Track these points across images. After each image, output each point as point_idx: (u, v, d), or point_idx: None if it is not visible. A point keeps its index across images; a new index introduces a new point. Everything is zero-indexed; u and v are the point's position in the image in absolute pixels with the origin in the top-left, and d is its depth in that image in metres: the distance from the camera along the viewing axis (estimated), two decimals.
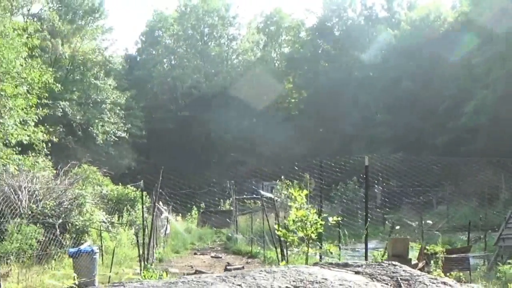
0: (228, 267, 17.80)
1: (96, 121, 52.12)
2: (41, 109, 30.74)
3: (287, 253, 13.92)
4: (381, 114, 57.86)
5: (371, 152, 50.34)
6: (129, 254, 20.42)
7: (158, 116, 61.99)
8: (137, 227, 22.27)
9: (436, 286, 6.11)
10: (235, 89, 61.06)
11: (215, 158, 61.38)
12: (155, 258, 20.25)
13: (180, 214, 39.32)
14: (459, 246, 18.04)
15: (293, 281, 5.79)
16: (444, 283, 6.27)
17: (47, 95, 32.26)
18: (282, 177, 29.02)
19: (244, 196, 38.01)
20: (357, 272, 6.44)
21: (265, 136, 59.27)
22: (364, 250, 13.08)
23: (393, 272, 6.46)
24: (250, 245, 25.62)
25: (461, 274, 13.36)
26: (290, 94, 66.79)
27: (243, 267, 17.10)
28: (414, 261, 12.09)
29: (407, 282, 6.16)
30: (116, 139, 53.95)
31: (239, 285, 5.58)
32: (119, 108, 55.22)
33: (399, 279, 6.17)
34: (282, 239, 12.84)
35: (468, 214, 31.63)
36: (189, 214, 38.93)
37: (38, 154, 30.92)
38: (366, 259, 11.67)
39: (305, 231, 10.02)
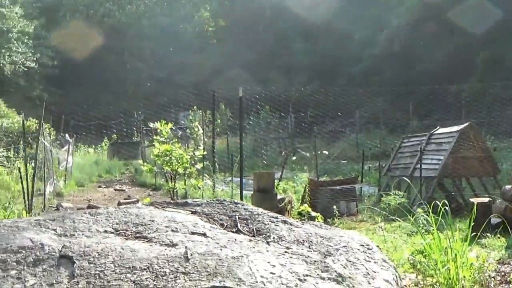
0: (122, 201, 17.27)
1: (3, 51, 49.66)
2: None
3: (174, 185, 13.17)
4: (298, 42, 57.33)
5: (289, 80, 50.31)
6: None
7: (70, 45, 59.58)
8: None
9: (275, 224, 5.83)
10: (149, 17, 59.21)
11: (131, 88, 59.76)
12: (48, 192, 19.30)
13: (93, 146, 38.44)
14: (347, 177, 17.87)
15: (116, 224, 5.36)
16: (285, 221, 6.01)
17: None
18: (195, 107, 28.53)
19: (153, 127, 36.96)
20: (194, 212, 6.08)
21: (182, 66, 58.16)
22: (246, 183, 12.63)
23: (233, 211, 6.14)
24: (155, 178, 25.16)
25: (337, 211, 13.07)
26: (207, 22, 65.30)
27: (136, 201, 16.60)
28: (280, 196, 11.84)
29: (245, 221, 5.85)
30: (25, 69, 51.62)
31: (54, 229, 5.12)
32: (27, 37, 52.74)
33: (237, 218, 5.86)
34: (171, 172, 12.33)
35: (376, 143, 31.81)
36: (99, 146, 38.05)
37: None
38: (241, 194, 11.31)
39: (170, 166, 9.59)
